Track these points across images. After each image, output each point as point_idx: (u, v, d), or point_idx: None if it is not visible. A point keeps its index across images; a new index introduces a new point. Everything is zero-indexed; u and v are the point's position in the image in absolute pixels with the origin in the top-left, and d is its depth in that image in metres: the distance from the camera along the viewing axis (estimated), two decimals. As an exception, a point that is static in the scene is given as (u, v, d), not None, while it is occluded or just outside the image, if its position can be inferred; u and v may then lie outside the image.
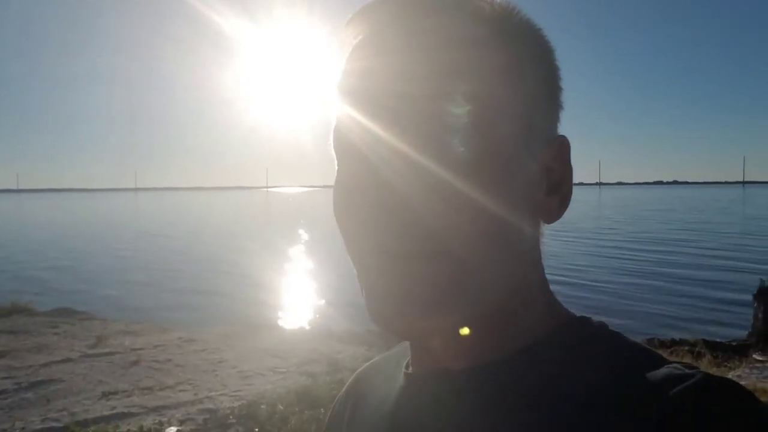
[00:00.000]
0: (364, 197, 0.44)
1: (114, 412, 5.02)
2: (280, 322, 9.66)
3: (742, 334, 7.80)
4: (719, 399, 0.37)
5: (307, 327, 9.38)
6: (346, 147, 0.47)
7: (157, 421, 4.74)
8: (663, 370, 0.41)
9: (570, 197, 0.50)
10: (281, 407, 4.73)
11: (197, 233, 29.94)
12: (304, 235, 27.53)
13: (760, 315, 7.39)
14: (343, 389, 0.65)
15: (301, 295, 12.86)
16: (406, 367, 0.53)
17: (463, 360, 0.47)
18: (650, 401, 0.38)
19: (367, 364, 0.65)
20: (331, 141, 0.49)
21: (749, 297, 7.73)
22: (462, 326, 0.45)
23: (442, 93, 0.42)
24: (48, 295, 11.66)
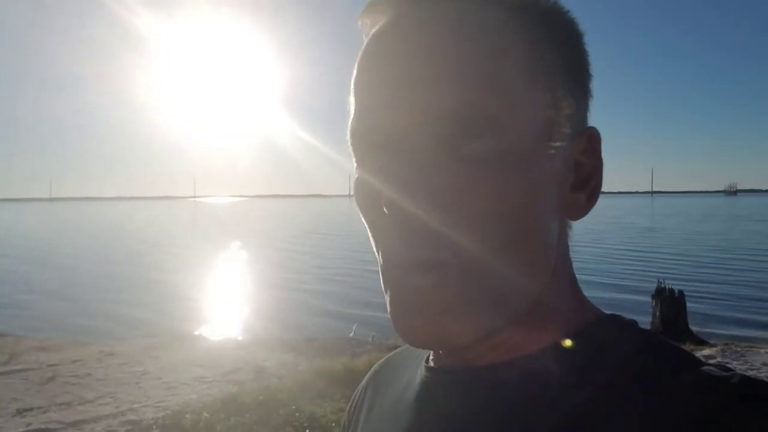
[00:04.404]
0: (377, 205, 0.42)
1: (30, 428, 4.86)
2: (205, 333, 9.49)
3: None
4: (761, 400, 0.36)
5: (233, 336, 9.29)
6: (361, 145, 0.45)
7: (76, 435, 4.67)
8: (699, 370, 0.40)
9: (599, 191, 0.48)
10: (207, 415, 4.77)
11: (113, 245, 28.61)
12: (228, 244, 26.99)
13: (657, 313, 8.08)
14: (362, 383, 0.63)
15: (226, 304, 12.69)
16: (427, 361, 0.52)
17: (489, 356, 0.46)
18: (687, 400, 0.37)
19: (384, 357, 0.63)
20: (348, 135, 0.46)
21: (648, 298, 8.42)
22: (479, 334, 0.42)
23: (450, 110, 0.40)
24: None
